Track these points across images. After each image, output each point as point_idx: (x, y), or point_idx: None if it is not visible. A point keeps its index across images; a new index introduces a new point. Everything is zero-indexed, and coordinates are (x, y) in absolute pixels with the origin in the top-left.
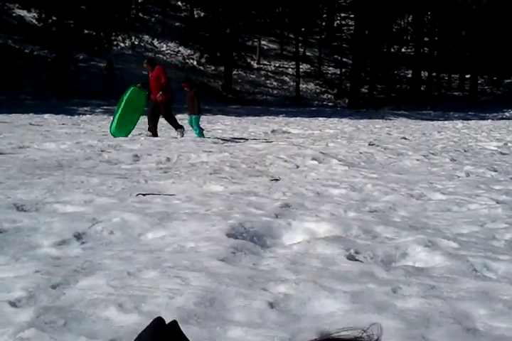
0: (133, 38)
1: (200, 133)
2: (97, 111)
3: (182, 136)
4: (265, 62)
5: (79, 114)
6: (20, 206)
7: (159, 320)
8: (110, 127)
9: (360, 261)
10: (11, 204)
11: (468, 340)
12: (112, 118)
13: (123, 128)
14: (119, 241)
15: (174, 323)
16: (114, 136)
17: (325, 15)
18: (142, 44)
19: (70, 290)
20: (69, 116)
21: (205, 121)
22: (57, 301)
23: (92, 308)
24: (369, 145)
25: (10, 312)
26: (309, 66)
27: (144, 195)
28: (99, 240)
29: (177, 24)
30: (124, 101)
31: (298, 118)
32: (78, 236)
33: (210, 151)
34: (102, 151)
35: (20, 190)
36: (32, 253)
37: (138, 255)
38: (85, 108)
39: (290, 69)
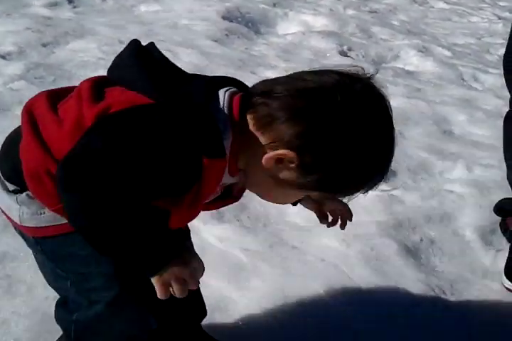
0: None
1: None
2: None
3: None
4: None
5: None
6: None
7: (136, 42)
8: None
9: (352, 58)
10: None
11: (443, 141)
12: None
13: None
14: (112, 10)
15: (151, 45)
16: None
17: None
18: None
19: (60, 50)
20: None
21: None
22: (47, 59)
23: (81, 70)
24: None
25: (1, 64)
26: None
27: None
28: (91, 6)
29: None
30: None
31: None
32: (70, 0)
33: None
34: None
35: None
36: (23, 11)
37: (130, 25)
38: None
39: None
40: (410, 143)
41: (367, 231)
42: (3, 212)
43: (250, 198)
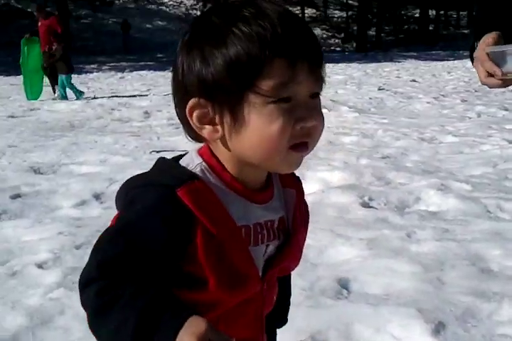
0: None
1: (78, 92)
2: (103, 68)
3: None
4: None
5: (86, 72)
6: (37, 169)
7: None
8: (26, 93)
9: (375, 208)
10: (27, 167)
11: (483, 281)
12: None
13: (35, 88)
14: None
15: None
16: (29, 100)
17: None
18: None
19: None
20: (76, 75)
21: None
22: (82, 261)
23: None
24: (379, 89)
25: (38, 274)
26: (315, 10)
27: (157, 152)
28: None
29: None
30: (22, 59)
31: (316, 44)
32: (97, 197)
33: None
34: (113, 110)
35: (36, 152)
36: (53, 215)
37: None
38: (92, 66)
39: None
40: (451, 289)
41: None
42: None
43: None
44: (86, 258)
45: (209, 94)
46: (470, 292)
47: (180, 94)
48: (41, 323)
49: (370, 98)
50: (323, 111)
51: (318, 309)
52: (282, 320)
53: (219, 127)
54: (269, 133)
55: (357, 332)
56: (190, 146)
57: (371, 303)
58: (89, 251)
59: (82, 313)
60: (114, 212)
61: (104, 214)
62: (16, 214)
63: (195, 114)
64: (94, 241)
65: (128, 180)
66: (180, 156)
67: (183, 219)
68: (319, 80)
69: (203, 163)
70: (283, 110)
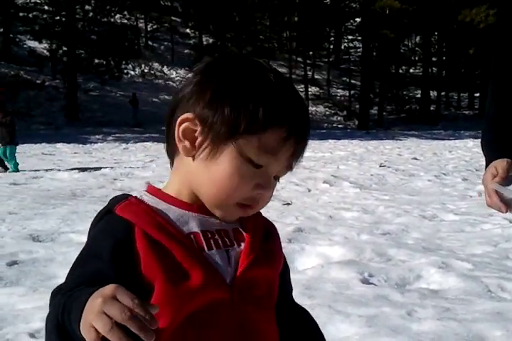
0: (143, 65)
1: (15, 166)
2: (108, 139)
3: None
4: None
5: (91, 143)
6: (35, 237)
7: None
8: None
9: (375, 285)
10: (26, 235)
11: None
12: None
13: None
14: None
15: None
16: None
17: (332, 38)
18: (152, 72)
19: None
20: (81, 145)
21: None
22: None
23: None
24: (380, 166)
25: None
26: (318, 89)
27: None
28: None
29: (186, 51)
30: None
31: (308, 140)
32: None
33: None
34: (115, 179)
35: (35, 220)
36: (49, 283)
37: None
38: (97, 136)
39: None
40: None
41: None
42: None
43: None
44: None
45: (205, 121)
46: None
47: (182, 105)
48: None
49: (372, 174)
50: (325, 185)
51: None
52: None
53: (196, 149)
54: (229, 184)
55: None
56: None
57: None
58: None
59: None
60: None
61: None
62: (11, 281)
63: (183, 126)
64: None
65: None
66: None
67: (123, 232)
68: (291, 166)
69: (143, 191)
70: (251, 172)
